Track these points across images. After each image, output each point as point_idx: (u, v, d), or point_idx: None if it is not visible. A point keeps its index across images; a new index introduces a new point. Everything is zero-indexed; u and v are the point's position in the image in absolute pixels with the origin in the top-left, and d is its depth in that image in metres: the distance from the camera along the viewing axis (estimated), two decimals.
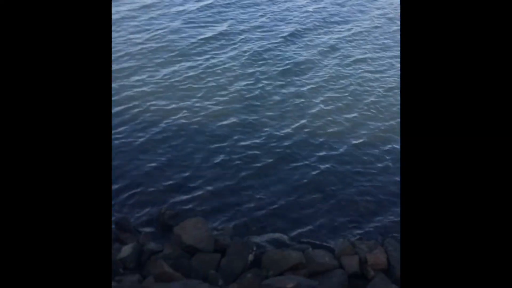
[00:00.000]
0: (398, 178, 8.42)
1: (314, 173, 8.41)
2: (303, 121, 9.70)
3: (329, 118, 9.84)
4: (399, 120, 9.88)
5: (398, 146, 9.24)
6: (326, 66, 11.64)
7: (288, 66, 11.44)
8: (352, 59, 11.96)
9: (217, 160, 8.50)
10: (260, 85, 10.72)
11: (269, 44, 12.38)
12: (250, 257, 6.29)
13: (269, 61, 11.67)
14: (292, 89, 10.68)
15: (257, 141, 9.12)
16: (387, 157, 8.93)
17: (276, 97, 10.38)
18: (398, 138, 9.26)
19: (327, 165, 8.62)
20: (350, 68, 11.65)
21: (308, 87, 10.79)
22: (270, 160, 8.64)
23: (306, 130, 9.48)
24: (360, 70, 11.56)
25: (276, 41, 12.58)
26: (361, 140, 9.29)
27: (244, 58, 11.71)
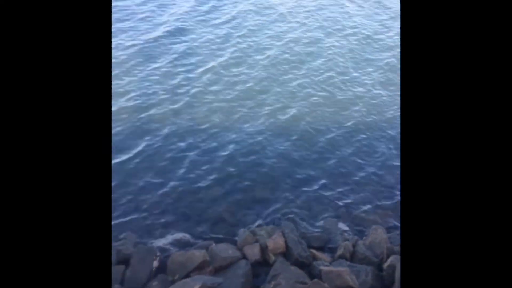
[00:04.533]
0: (275, 159, 8.85)
1: (215, 166, 8.57)
2: None
3: None
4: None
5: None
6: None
7: None
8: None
9: None
10: None
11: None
12: (155, 263, 6.28)
13: None
14: None
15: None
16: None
17: None
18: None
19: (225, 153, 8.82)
20: None
21: None
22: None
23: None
24: None
25: None
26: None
27: None
